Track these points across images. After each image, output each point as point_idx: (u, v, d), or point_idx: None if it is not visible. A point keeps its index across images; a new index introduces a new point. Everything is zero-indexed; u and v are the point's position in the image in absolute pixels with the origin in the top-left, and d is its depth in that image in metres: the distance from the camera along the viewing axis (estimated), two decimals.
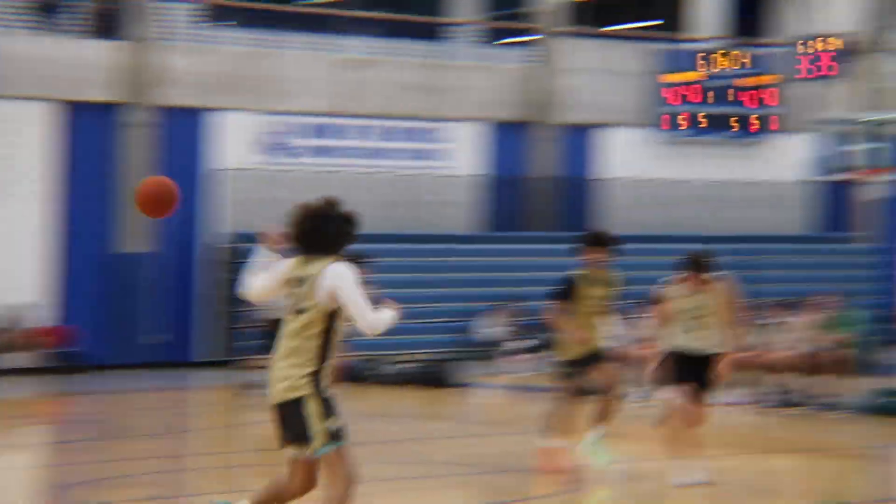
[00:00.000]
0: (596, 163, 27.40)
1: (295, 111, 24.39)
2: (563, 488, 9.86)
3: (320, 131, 25.04)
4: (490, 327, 22.46)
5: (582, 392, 10.64)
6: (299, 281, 6.45)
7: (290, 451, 6.37)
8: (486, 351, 21.94)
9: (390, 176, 25.19)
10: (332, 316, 6.39)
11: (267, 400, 6.46)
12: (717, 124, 27.97)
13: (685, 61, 27.74)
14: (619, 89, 27.34)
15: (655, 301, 10.39)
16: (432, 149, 26.00)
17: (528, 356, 21.50)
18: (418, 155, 25.80)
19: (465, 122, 26.15)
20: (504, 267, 24.31)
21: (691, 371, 9.86)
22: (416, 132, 25.83)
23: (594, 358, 10.62)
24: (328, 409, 6.32)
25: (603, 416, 10.56)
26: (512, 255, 24.84)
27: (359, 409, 13.69)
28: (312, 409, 6.29)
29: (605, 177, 27.25)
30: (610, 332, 10.97)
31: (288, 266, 6.55)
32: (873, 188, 27.81)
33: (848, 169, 26.31)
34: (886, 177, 26.74)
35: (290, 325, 6.44)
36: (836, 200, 28.62)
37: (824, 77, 27.85)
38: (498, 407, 17.81)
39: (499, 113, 26.45)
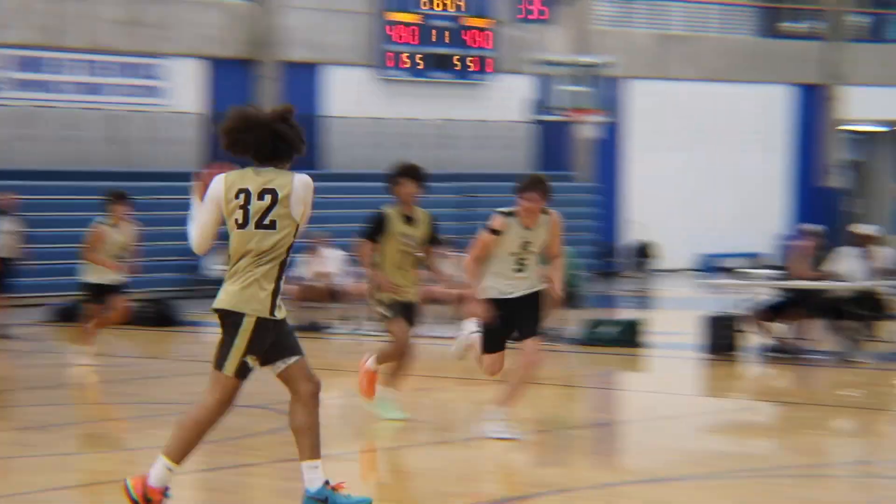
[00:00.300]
0: (321, 101, 27.40)
1: (1, 43, 23.49)
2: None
3: (30, 64, 24.15)
4: (218, 265, 22.30)
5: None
6: (261, 194, 6.17)
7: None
8: (215, 289, 21.88)
9: (106, 113, 24.55)
10: (296, 232, 6.24)
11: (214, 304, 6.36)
12: (438, 64, 28.34)
13: (408, 1, 27.97)
14: (342, 28, 27.36)
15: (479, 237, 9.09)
16: (150, 85, 25.44)
17: None
18: (136, 92, 25.21)
19: (184, 58, 25.69)
20: None
21: (517, 314, 8.98)
22: (133, 68, 25.20)
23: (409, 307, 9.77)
24: (258, 340, 6.23)
25: (398, 373, 9.91)
26: None
27: (82, 348, 13.43)
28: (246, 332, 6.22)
29: (330, 115, 27.29)
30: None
31: (228, 181, 6.23)
32: (588, 128, 28.79)
33: (562, 110, 27.18)
34: (597, 117, 27.75)
35: (255, 241, 6.19)
36: (555, 140, 29.49)
37: (537, 20, 28.58)
38: None
39: (220, 50, 26.10)
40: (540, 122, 28.64)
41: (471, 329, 9.45)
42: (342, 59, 27.37)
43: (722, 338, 14.25)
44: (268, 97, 26.24)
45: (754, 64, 32.49)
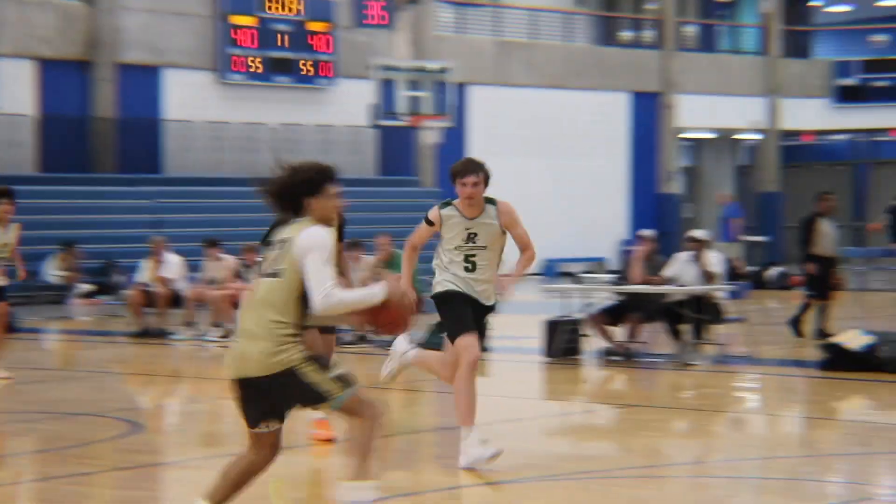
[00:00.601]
0: (159, 104, 27.02)
1: None
2: (125, 432, 9.80)
3: None
4: (56, 271, 21.86)
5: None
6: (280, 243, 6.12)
7: (263, 427, 6.04)
8: (52, 295, 21.45)
9: None
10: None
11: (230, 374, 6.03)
12: (281, 68, 28.20)
13: (249, 4, 27.78)
14: (181, 30, 27.04)
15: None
16: None
17: (91, 300, 21.14)
18: None
19: (16, 59, 25.09)
20: (65, 209, 23.67)
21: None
22: None
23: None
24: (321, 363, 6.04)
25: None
26: (72, 196, 24.21)
27: None
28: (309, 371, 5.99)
29: (169, 118, 26.93)
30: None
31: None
32: (429, 133, 28.95)
33: (403, 115, 27.30)
34: (438, 123, 27.94)
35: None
36: (398, 145, 29.60)
37: (377, 25, 28.66)
38: (62, 352, 17.36)
39: (53, 51, 25.57)
40: (382, 126, 28.71)
41: (404, 349, 8.72)
42: (181, 61, 27.04)
43: (563, 342, 14.47)
44: (103, 99, 25.78)
45: (593, 71, 33.07)
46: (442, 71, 27.86)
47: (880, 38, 37.81)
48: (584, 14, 34.67)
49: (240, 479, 6.12)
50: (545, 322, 14.70)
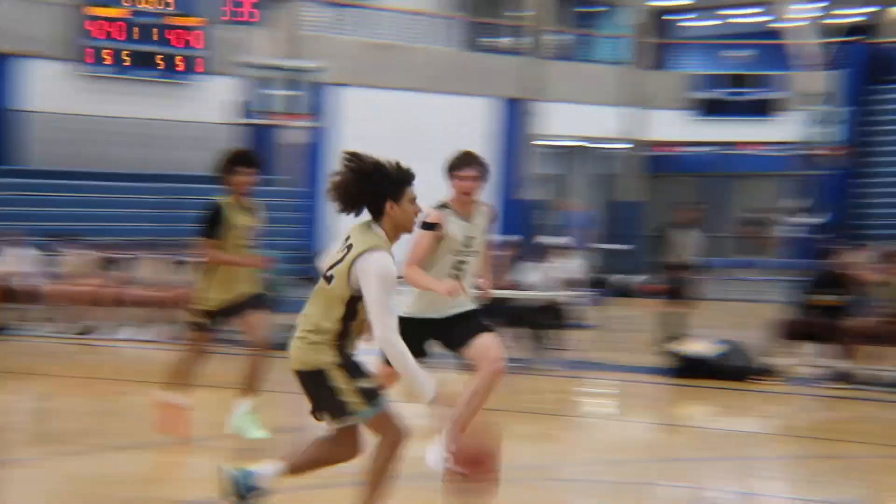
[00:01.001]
0: (16, 94, 26.46)
1: None
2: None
3: None
4: None
5: (209, 348, 9.09)
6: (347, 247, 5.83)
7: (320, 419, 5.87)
8: None
9: None
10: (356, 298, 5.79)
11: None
12: (143, 62, 27.80)
13: None
14: (41, 19, 26.50)
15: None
16: None
17: None
18: None
19: None
20: None
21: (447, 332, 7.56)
22: None
23: (241, 306, 8.94)
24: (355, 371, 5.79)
25: (252, 381, 9.03)
26: None
27: None
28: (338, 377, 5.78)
29: (24, 109, 26.38)
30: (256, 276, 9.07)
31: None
32: (295, 133, 28.82)
33: (269, 113, 27.14)
34: (304, 123, 27.83)
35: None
36: (263, 143, 29.39)
37: (247, 22, 28.46)
38: None
39: None
40: (248, 124, 28.47)
41: (437, 457, 7.60)
42: (41, 52, 26.49)
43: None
44: None
45: (460, 76, 33.23)
46: (311, 71, 27.74)
47: (742, 53, 38.67)
48: (452, 18, 34.81)
49: (317, 460, 6.01)
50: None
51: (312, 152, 30.36)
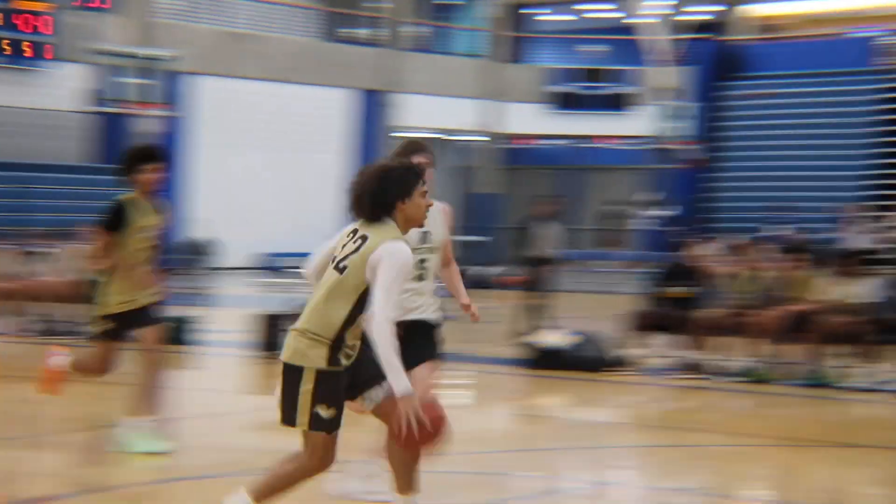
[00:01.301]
0: None
1: None
2: None
3: None
4: None
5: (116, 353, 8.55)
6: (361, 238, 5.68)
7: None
8: None
9: None
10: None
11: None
12: None
13: None
14: None
15: None
16: None
17: None
18: None
19: None
20: None
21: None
22: None
23: (140, 316, 8.47)
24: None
25: (145, 399, 8.47)
26: None
27: None
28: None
29: None
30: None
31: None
32: (149, 122, 28.36)
33: (122, 101, 26.67)
34: (159, 111, 27.41)
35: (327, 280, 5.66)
36: (116, 132, 28.86)
37: (98, 8, 27.93)
38: None
39: None
40: (100, 113, 27.95)
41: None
42: None
43: (272, 336, 14.38)
44: None
45: (317, 66, 33.07)
46: (166, 59, 27.33)
47: (596, 48, 39.19)
48: (309, 8, 34.62)
49: (284, 481, 5.86)
50: (255, 316, 14.58)
51: (168, 142, 29.93)
